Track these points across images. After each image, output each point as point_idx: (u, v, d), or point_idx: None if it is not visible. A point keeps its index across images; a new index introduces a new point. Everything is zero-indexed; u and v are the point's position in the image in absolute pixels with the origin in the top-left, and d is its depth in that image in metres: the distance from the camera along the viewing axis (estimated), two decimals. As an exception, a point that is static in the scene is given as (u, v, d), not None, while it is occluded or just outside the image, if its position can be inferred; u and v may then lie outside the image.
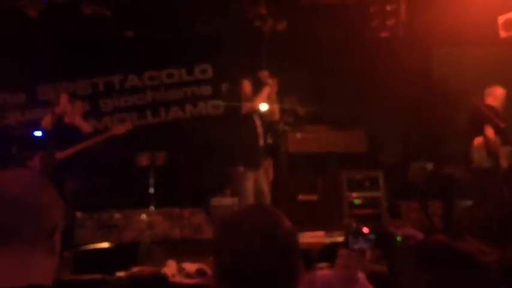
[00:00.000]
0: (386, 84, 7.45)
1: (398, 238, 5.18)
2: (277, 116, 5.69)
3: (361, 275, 3.36)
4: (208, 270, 4.52)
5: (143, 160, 6.65)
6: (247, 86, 5.45)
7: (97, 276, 4.39)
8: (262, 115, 7.27)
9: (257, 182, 5.32)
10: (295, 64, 7.73)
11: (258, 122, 5.47)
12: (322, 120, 7.31)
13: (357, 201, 6.15)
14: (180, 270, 4.70)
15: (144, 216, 6.65)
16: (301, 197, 6.21)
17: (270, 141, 7.06)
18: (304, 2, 7.54)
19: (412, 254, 1.26)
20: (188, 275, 4.59)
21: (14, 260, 1.09)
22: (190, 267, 4.69)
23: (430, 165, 7.19)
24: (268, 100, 5.50)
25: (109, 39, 7.74)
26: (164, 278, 4.42)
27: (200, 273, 4.56)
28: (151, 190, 6.40)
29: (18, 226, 1.11)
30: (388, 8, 7.27)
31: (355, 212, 6.00)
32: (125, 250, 5.16)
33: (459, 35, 7.32)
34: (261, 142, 5.45)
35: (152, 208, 6.50)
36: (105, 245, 5.46)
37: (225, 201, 6.63)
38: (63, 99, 5.70)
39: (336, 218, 5.99)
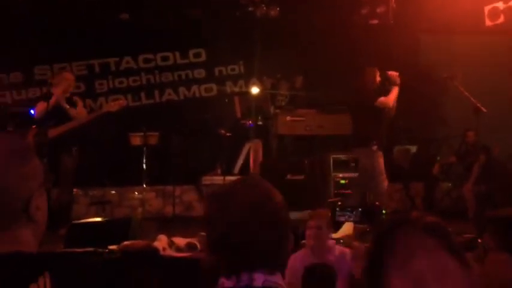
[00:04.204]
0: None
1: (384, 212, 5.40)
2: (394, 112, 5.78)
3: (332, 243, 3.51)
4: (198, 245, 4.63)
5: (137, 140, 6.79)
6: (376, 75, 5.69)
7: (89, 249, 4.48)
8: (254, 98, 7.48)
9: None
10: (286, 49, 7.85)
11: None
12: (311, 104, 7.46)
13: (342, 181, 6.30)
14: (171, 244, 4.80)
15: (136, 194, 6.78)
16: (289, 176, 6.33)
17: (260, 123, 7.24)
18: (297, -12, 7.65)
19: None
20: (178, 249, 4.70)
21: None
22: (181, 241, 4.78)
23: (413, 148, 7.38)
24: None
25: (105, 21, 7.82)
26: (155, 251, 4.49)
27: (190, 247, 4.65)
28: (144, 168, 6.53)
29: None
30: (379, -5, 7.40)
31: (340, 191, 6.15)
32: (117, 225, 5.18)
33: (446, 23, 7.44)
34: (386, 128, 5.79)
35: (145, 186, 6.65)
36: (98, 219, 5.51)
37: (216, 179, 6.77)
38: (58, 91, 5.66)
39: (322, 197, 6.14)
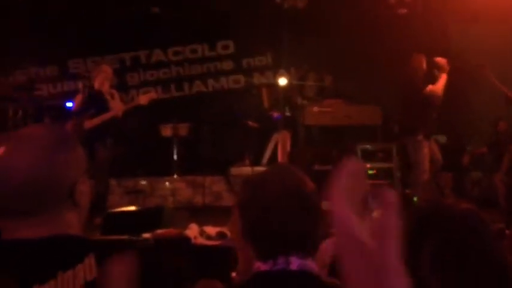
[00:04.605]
0: (402, 60, 7.50)
1: (415, 198, 5.38)
2: (440, 102, 5.58)
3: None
4: (228, 233, 4.74)
5: (167, 131, 6.94)
6: (423, 62, 5.56)
7: (124, 237, 4.68)
8: (282, 90, 7.52)
9: (430, 150, 5.60)
10: (314, 40, 7.85)
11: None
12: (339, 94, 7.46)
13: (370, 172, 6.30)
14: (202, 233, 4.92)
15: (168, 184, 6.93)
16: (316, 167, 6.36)
17: (288, 113, 7.29)
18: (323, -21, 7.63)
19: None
20: (209, 238, 4.82)
21: (41, 224, 1.15)
22: (211, 230, 4.90)
23: (442, 138, 7.29)
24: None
25: (135, 15, 7.99)
26: (187, 239, 4.59)
27: (221, 235, 4.75)
28: (175, 159, 6.66)
29: (36, 200, 1.15)
30: (406, -15, 7.31)
31: (368, 182, 6.13)
32: (150, 214, 5.30)
33: (475, 11, 7.30)
34: (435, 115, 5.65)
35: (175, 176, 6.79)
36: (132, 208, 5.65)
37: (244, 170, 6.86)
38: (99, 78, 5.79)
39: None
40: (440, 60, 5.49)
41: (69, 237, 1.17)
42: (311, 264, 1.33)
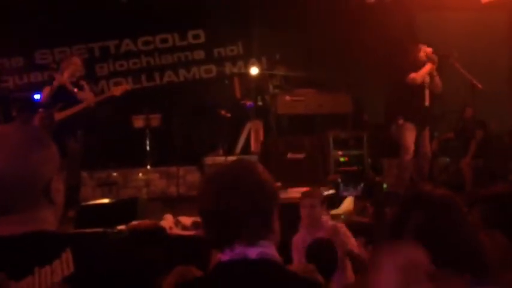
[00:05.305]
0: (371, 49, 7.62)
1: (384, 186, 5.59)
2: (440, 89, 5.83)
3: (325, 219, 3.63)
4: (203, 223, 4.77)
5: (139, 122, 6.90)
6: (423, 51, 5.70)
7: (98, 229, 4.59)
8: (253, 79, 7.55)
9: (418, 138, 5.74)
10: (284, 29, 7.89)
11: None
12: (311, 83, 7.53)
13: (342, 159, 6.41)
14: (177, 223, 4.95)
15: (141, 175, 6.90)
16: (289, 155, 6.43)
17: (260, 103, 7.34)
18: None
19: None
20: (184, 228, 4.85)
21: (18, 221, 1.17)
22: (186, 220, 4.93)
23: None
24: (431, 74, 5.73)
25: (104, 4, 7.84)
26: (162, 230, 4.62)
27: (195, 225, 4.78)
28: (148, 150, 6.64)
29: (11, 199, 1.16)
30: (375, -26, 7.40)
31: (340, 169, 6.28)
32: (124, 206, 5.27)
33: (442, 0, 7.46)
34: (426, 103, 5.80)
35: (149, 167, 6.76)
36: (105, 201, 5.62)
37: (218, 159, 6.88)
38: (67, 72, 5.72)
39: (322, 174, 6.27)
40: (426, 50, 5.71)
41: (45, 234, 1.19)
42: (269, 251, 1.35)
